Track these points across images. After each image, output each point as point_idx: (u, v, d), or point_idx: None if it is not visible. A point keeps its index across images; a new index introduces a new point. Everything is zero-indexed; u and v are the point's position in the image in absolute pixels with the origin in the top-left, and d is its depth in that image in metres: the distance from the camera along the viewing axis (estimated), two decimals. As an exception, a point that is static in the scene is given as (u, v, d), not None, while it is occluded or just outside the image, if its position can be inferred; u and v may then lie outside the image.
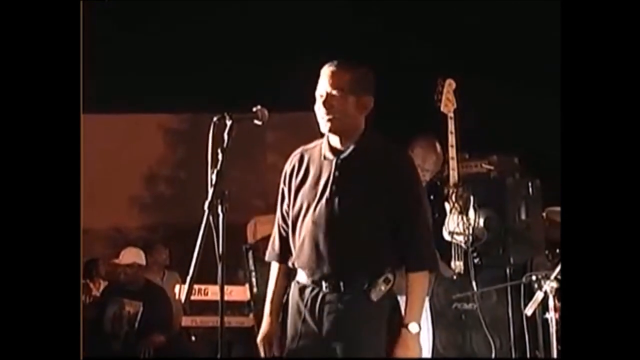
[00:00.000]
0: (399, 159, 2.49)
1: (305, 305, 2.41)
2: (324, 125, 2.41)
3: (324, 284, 2.39)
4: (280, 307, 2.53)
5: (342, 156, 2.42)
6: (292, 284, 2.49)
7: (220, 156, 2.26)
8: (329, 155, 2.44)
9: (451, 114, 3.80)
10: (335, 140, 2.44)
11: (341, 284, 2.37)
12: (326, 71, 2.42)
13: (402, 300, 3.74)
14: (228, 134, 2.30)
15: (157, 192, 8.65)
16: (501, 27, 6.39)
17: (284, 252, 2.53)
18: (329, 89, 2.39)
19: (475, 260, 3.75)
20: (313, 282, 2.41)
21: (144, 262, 5.20)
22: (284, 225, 2.54)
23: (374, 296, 2.37)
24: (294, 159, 2.54)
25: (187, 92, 7.23)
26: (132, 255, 5.15)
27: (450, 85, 3.84)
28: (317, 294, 2.39)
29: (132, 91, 7.34)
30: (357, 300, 2.37)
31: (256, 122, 2.44)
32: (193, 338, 4.90)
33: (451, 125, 3.80)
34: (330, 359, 2.36)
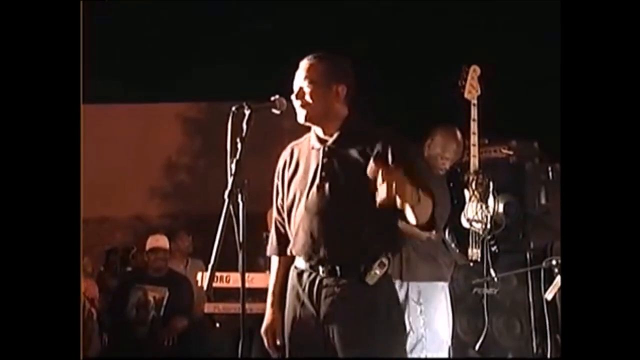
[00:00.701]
0: (386, 136, 2.47)
1: (304, 290, 2.45)
2: (299, 116, 2.48)
3: (320, 269, 2.43)
4: (282, 298, 2.57)
5: (328, 144, 2.48)
6: (291, 270, 2.53)
7: (239, 145, 2.28)
8: (317, 145, 2.50)
9: (474, 101, 3.78)
10: (319, 130, 2.50)
11: (337, 268, 2.41)
12: (301, 65, 2.49)
13: (397, 284, 3.81)
14: (247, 123, 2.31)
15: (178, 181, 8.72)
16: (519, 13, 6.35)
17: (282, 245, 2.59)
18: (301, 82, 2.46)
19: (493, 249, 3.75)
20: (310, 267, 2.45)
21: (168, 249, 5.27)
22: (280, 219, 2.60)
23: (369, 280, 2.39)
24: (284, 154, 2.61)
25: (205, 82, 7.26)
26: (160, 242, 5.22)
27: (474, 71, 3.82)
28: (315, 279, 2.43)
29: (149, 81, 7.39)
30: (353, 284, 2.40)
31: (274, 111, 2.46)
32: (217, 325, 4.95)
33: (474, 112, 3.78)
34: (333, 358, 2.40)
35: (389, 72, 6.93)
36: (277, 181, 2.61)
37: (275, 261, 2.65)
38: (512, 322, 4.37)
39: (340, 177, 2.43)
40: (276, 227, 2.63)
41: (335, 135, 2.48)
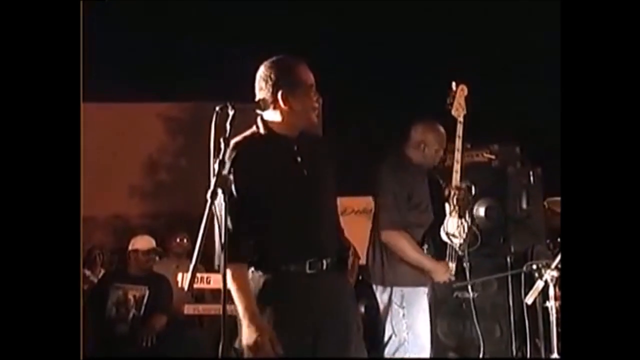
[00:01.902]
0: (327, 142, 2.70)
1: (292, 287, 2.44)
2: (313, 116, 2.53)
3: (308, 265, 2.45)
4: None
5: (299, 143, 2.52)
6: (263, 278, 2.45)
7: (222, 145, 2.26)
8: (283, 144, 2.51)
9: (461, 119, 3.87)
10: (284, 130, 2.51)
11: (323, 262, 2.46)
12: (286, 66, 2.49)
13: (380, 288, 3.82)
14: (230, 123, 2.29)
15: (158, 181, 8.65)
16: (502, 18, 6.39)
17: (244, 251, 2.43)
18: (289, 84, 2.47)
19: (467, 265, 3.84)
20: (293, 265, 2.45)
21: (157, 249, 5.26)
22: (242, 226, 2.41)
23: (349, 266, 2.60)
24: (237, 161, 2.42)
25: (188, 82, 7.23)
26: (152, 243, 5.18)
27: (462, 90, 3.90)
28: (301, 275, 2.44)
29: (133, 81, 7.33)
30: (336, 274, 2.53)
31: (258, 111, 2.48)
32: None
33: (459, 130, 3.86)
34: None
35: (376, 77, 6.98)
36: (237, 187, 2.39)
37: (239, 269, 2.41)
38: (491, 326, 4.39)
39: (316, 173, 2.51)
40: (236, 234, 2.35)
41: (298, 134, 2.53)
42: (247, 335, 2.38)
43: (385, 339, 3.79)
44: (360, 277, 4.68)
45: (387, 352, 3.79)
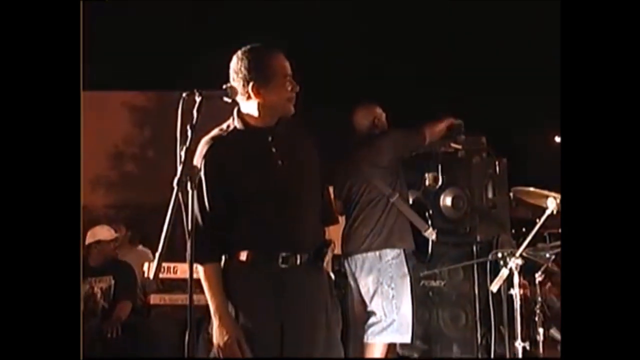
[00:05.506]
0: (307, 130, 2.59)
1: (262, 282, 2.41)
2: (289, 106, 2.47)
3: (280, 259, 2.41)
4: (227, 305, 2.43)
5: (274, 133, 2.47)
6: (233, 268, 2.43)
7: (189, 133, 2.23)
8: (258, 135, 2.46)
9: None
10: (258, 122, 2.47)
11: (297, 257, 2.42)
12: (273, 54, 2.46)
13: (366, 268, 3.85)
14: (197, 110, 2.25)
15: (124, 171, 8.56)
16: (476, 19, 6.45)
17: (217, 249, 2.44)
18: (264, 72, 2.43)
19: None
20: (266, 259, 2.41)
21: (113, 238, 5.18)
22: (216, 221, 2.42)
23: (325, 263, 2.46)
24: (210, 154, 2.42)
25: (154, 70, 7.16)
26: (112, 232, 5.11)
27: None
28: (273, 269, 2.40)
29: (98, 69, 7.23)
30: (312, 270, 2.45)
31: (226, 99, 2.45)
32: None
33: None
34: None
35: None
36: (208, 183, 2.40)
37: (211, 268, 2.42)
38: (457, 314, 4.45)
39: (293, 163, 2.46)
40: (208, 231, 2.37)
41: (274, 124, 2.48)
42: (217, 335, 2.40)
43: (373, 320, 3.82)
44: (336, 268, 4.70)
45: (372, 332, 3.83)
